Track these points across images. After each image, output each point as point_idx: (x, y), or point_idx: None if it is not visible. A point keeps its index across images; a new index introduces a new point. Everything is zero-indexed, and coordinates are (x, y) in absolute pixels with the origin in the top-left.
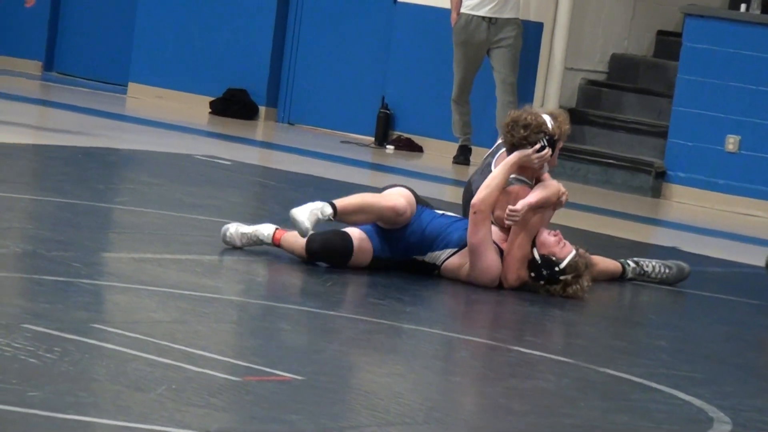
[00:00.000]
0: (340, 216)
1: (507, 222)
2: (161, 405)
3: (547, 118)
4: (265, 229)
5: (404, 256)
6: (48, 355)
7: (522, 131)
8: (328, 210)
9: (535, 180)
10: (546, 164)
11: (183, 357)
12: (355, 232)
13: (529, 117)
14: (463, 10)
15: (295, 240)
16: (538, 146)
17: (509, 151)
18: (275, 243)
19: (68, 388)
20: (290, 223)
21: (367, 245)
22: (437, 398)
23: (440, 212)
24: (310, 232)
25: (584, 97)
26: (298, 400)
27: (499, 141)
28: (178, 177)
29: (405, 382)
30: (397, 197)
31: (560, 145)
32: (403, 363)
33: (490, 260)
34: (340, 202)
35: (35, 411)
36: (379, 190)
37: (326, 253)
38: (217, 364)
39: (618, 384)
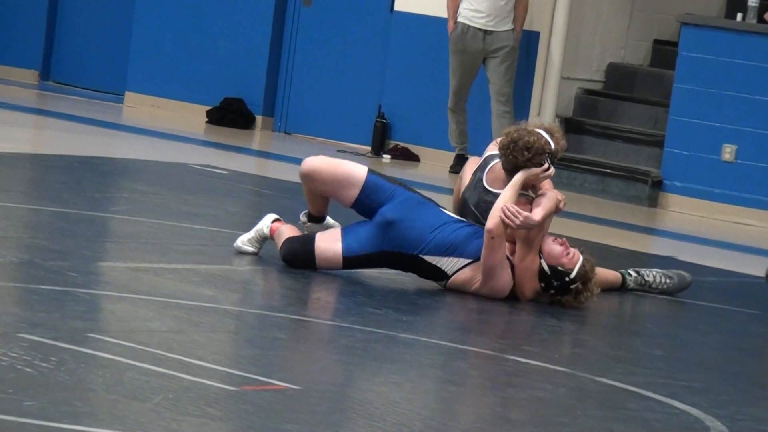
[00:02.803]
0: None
1: (506, 221)
2: (158, 415)
3: (546, 137)
4: (265, 222)
5: (406, 249)
6: (44, 365)
7: (526, 153)
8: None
9: (532, 187)
10: None
11: (179, 366)
12: (320, 235)
13: (530, 138)
14: (459, 19)
15: (279, 240)
16: (546, 166)
17: (511, 172)
18: (271, 235)
19: (64, 397)
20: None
21: (333, 247)
22: (434, 407)
23: (451, 215)
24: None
25: (581, 106)
26: (295, 409)
27: (487, 154)
28: (174, 186)
29: (402, 392)
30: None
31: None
32: (400, 372)
33: (504, 280)
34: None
35: (31, 420)
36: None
37: (291, 259)
38: (213, 374)
39: (615, 393)
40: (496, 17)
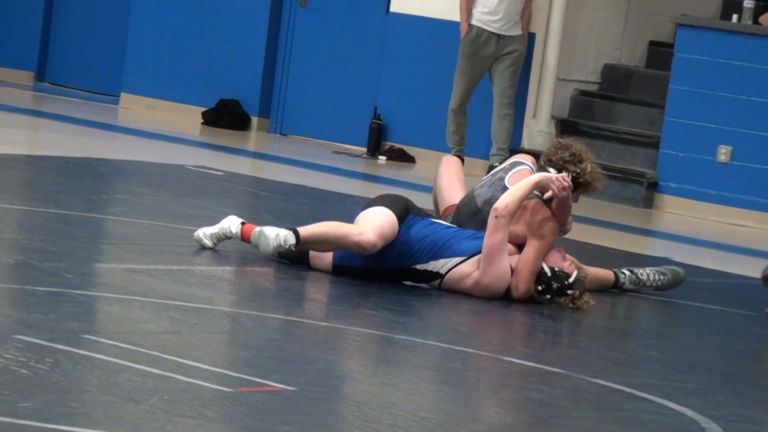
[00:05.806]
0: (303, 245)
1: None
2: (153, 416)
3: (588, 165)
4: (233, 223)
5: (397, 263)
6: (40, 366)
7: (566, 154)
8: (291, 240)
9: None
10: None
11: (175, 368)
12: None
13: (581, 153)
14: (473, 22)
15: None
16: (563, 174)
17: (543, 167)
18: (244, 238)
19: (60, 398)
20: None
21: (325, 257)
22: (429, 408)
23: (440, 222)
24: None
25: (576, 107)
26: (291, 410)
27: (514, 159)
28: (170, 187)
29: (397, 393)
30: (368, 232)
31: (579, 192)
32: (396, 373)
33: (503, 268)
34: (303, 231)
35: (27, 422)
36: (368, 200)
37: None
38: (209, 375)
39: (610, 394)
40: (509, 21)
